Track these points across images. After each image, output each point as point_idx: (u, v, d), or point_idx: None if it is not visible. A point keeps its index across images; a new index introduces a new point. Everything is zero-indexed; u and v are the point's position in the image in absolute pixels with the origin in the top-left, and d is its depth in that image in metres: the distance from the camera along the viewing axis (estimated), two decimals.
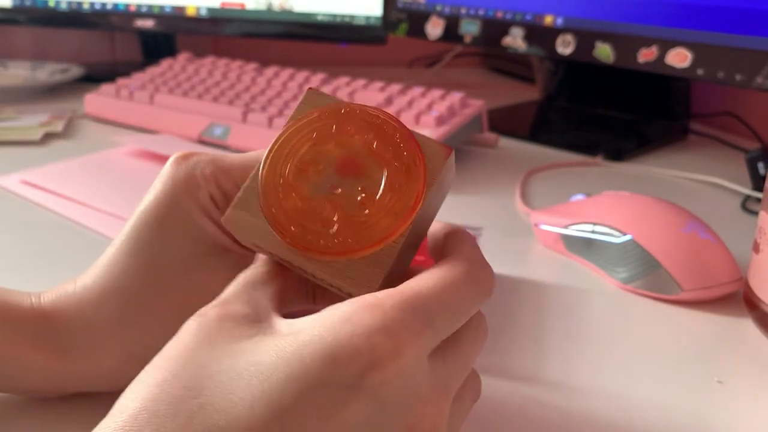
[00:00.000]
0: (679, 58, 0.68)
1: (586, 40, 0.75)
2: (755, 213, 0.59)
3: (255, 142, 0.68)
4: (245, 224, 0.25)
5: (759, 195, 0.61)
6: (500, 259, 0.48)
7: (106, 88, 0.80)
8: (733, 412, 0.34)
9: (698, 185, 0.67)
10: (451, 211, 0.57)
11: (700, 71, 0.67)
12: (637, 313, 0.43)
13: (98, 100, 0.80)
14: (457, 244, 0.26)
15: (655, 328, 0.41)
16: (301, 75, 0.79)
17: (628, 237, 0.44)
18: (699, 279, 0.43)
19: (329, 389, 0.20)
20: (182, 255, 0.28)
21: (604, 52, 0.74)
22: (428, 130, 0.67)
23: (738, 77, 0.64)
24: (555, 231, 0.50)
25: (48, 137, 0.72)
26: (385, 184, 0.25)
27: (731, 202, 0.63)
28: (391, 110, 0.70)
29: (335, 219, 0.25)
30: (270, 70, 0.82)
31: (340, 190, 0.25)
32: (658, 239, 0.44)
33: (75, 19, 0.99)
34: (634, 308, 0.43)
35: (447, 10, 0.87)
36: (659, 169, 0.71)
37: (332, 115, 0.26)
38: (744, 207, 0.61)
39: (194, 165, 0.28)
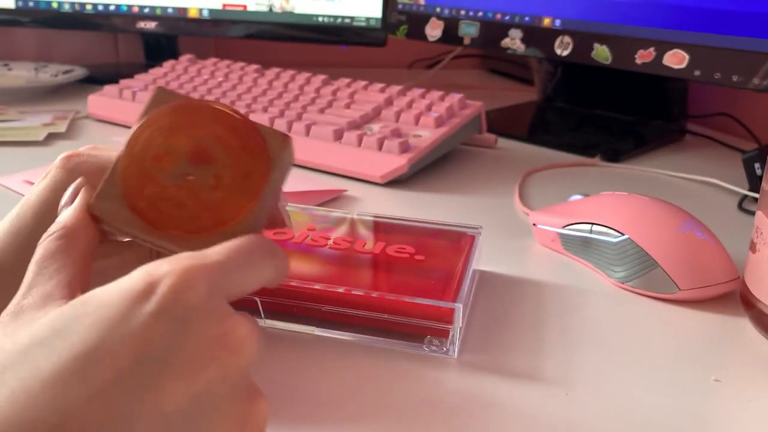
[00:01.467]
0: (676, 60, 0.69)
1: (584, 41, 0.76)
2: (752, 213, 0.59)
3: None
4: (110, 211, 0.28)
5: (756, 195, 0.62)
6: (499, 259, 0.49)
7: (109, 89, 0.81)
8: (729, 411, 0.34)
9: (695, 185, 0.68)
10: (451, 211, 0.58)
11: (697, 72, 0.67)
12: (635, 313, 0.43)
13: (101, 101, 0.80)
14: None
15: (652, 327, 0.41)
16: (302, 76, 0.80)
17: (625, 236, 0.45)
18: (696, 278, 0.43)
19: (128, 323, 0.22)
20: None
21: (601, 53, 0.74)
22: (428, 130, 0.67)
23: (735, 78, 0.65)
24: (553, 231, 0.51)
25: (51, 138, 0.72)
26: (232, 169, 0.28)
27: (728, 202, 0.64)
28: (391, 111, 0.70)
29: (190, 203, 0.28)
30: (271, 72, 0.82)
31: (192, 177, 0.28)
32: (656, 239, 0.44)
33: (78, 21, 0.99)
34: (631, 307, 0.44)
35: (446, 12, 0.88)
36: (656, 169, 0.71)
37: (181, 111, 0.29)
38: (741, 207, 0.62)
39: (76, 165, 0.32)
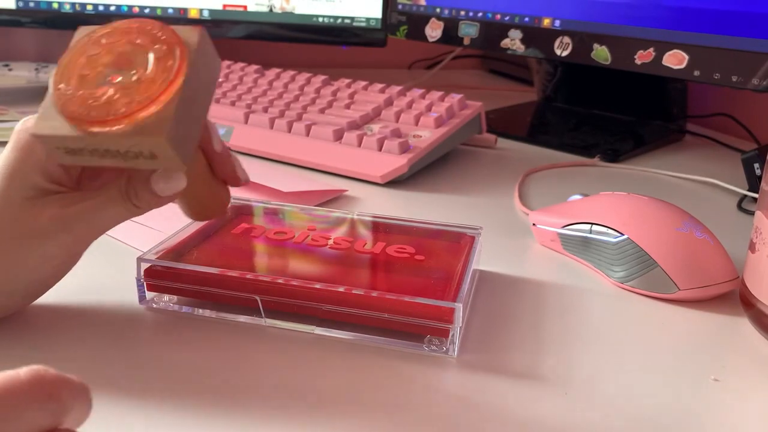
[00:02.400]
0: (676, 60, 0.69)
1: (583, 42, 0.76)
2: (751, 213, 0.60)
3: (257, 142, 0.69)
4: (48, 129, 0.31)
5: (755, 195, 0.62)
6: (498, 259, 0.49)
7: None
8: (729, 410, 0.34)
9: (695, 185, 0.68)
10: (451, 211, 0.58)
11: (696, 72, 0.67)
12: (634, 312, 0.43)
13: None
14: None
15: (651, 327, 0.41)
16: (303, 77, 0.80)
17: (624, 236, 0.45)
18: (695, 278, 0.43)
19: None
20: (18, 196, 0.34)
21: (601, 53, 0.75)
22: (428, 130, 0.67)
23: (734, 78, 0.65)
24: (552, 231, 0.51)
25: None
26: (152, 62, 0.31)
27: (727, 202, 0.64)
28: (391, 111, 0.71)
29: (119, 97, 0.30)
30: (271, 72, 0.82)
31: (119, 78, 0.31)
32: (655, 239, 0.44)
33: (78, 21, 0.98)
34: (630, 307, 0.44)
35: (446, 12, 0.88)
36: (656, 169, 0.71)
37: (100, 32, 0.33)
38: (740, 207, 0.62)
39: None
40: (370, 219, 0.48)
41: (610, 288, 0.46)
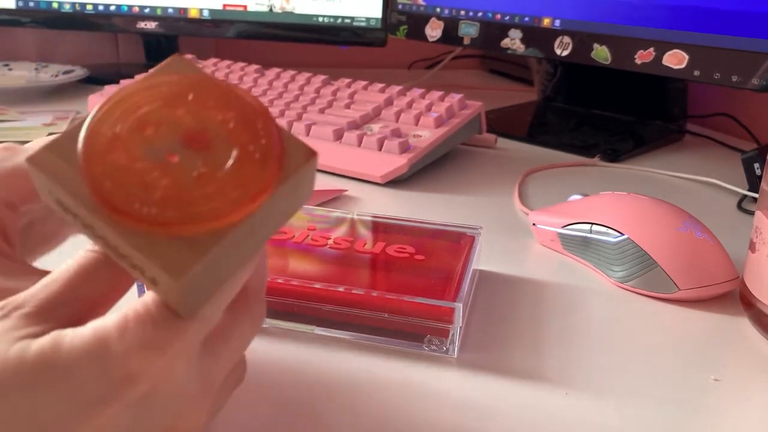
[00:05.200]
0: (676, 60, 0.69)
1: (583, 41, 0.76)
2: (751, 213, 0.60)
3: None
4: (52, 169, 0.21)
5: (755, 195, 0.62)
6: (498, 258, 0.49)
7: (110, 89, 0.81)
8: (729, 410, 0.34)
9: (695, 185, 0.68)
10: (451, 211, 0.58)
11: (696, 72, 0.67)
12: (634, 312, 0.43)
13: (101, 101, 0.80)
14: None
15: (651, 327, 0.41)
16: (303, 76, 0.80)
17: (624, 236, 0.45)
18: (695, 278, 0.43)
19: (85, 395, 0.20)
20: None
21: (601, 53, 0.74)
22: (428, 130, 0.67)
23: (734, 78, 0.65)
24: (552, 230, 0.51)
25: None
26: (231, 165, 0.22)
27: (727, 202, 0.64)
28: (391, 111, 0.70)
29: (161, 185, 0.21)
30: (271, 72, 0.83)
31: (177, 159, 0.22)
32: (655, 238, 0.44)
33: (78, 21, 0.99)
34: (630, 307, 0.44)
35: (446, 12, 0.88)
36: (656, 169, 0.71)
37: (194, 83, 0.23)
38: (740, 207, 0.62)
39: None
40: (370, 219, 0.48)
41: (610, 288, 0.46)
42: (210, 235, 0.21)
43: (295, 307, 0.38)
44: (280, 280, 0.38)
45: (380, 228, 0.47)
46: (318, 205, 0.55)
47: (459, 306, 0.36)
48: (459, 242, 0.45)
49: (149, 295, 0.22)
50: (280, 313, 0.38)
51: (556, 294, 0.45)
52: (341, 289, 0.38)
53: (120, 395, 0.20)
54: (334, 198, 0.59)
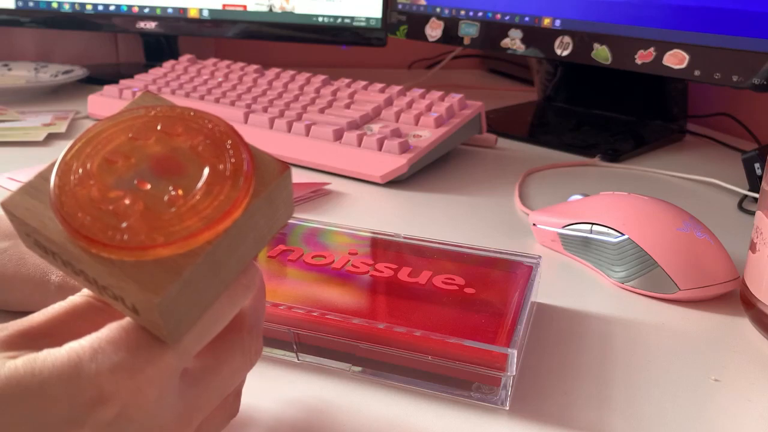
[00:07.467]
0: (676, 60, 0.69)
1: (584, 41, 0.76)
2: (752, 213, 0.60)
3: (256, 143, 0.68)
4: (28, 211, 0.22)
5: (755, 195, 0.62)
6: None
7: (109, 89, 0.81)
8: (729, 410, 0.34)
9: (695, 185, 0.68)
10: (451, 211, 0.58)
11: (696, 72, 0.67)
12: (634, 312, 0.43)
13: (101, 101, 0.80)
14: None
15: (651, 327, 0.41)
16: (302, 76, 0.80)
17: (625, 236, 0.45)
18: (696, 278, 0.43)
19: (57, 421, 0.20)
20: None
21: (601, 53, 0.74)
22: (428, 130, 0.67)
23: (734, 78, 0.65)
24: (553, 231, 0.51)
25: (51, 138, 0.72)
26: (202, 185, 0.22)
27: (728, 202, 0.64)
28: (391, 111, 0.70)
29: (134, 211, 0.21)
30: (271, 72, 0.82)
31: (149, 186, 0.22)
32: (655, 239, 0.44)
33: (78, 21, 0.99)
34: (631, 307, 0.44)
35: (446, 12, 0.88)
36: (656, 169, 0.71)
37: (162, 114, 0.24)
38: (741, 207, 0.62)
39: None
40: (417, 242, 0.44)
41: (611, 288, 0.46)
42: (185, 256, 0.21)
43: (331, 343, 0.35)
44: (315, 313, 0.35)
45: (427, 253, 0.43)
46: (304, 201, 0.53)
47: (513, 353, 0.32)
48: (515, 272, 0.41)
49: (127, 320, 0.22)
50: (315, 348, 0.35)
51: (555, 294, 0.45)
52: (381, 326, 0.34)
53: (90, 416, 0.20)
54: (334, 197, 0.59)
